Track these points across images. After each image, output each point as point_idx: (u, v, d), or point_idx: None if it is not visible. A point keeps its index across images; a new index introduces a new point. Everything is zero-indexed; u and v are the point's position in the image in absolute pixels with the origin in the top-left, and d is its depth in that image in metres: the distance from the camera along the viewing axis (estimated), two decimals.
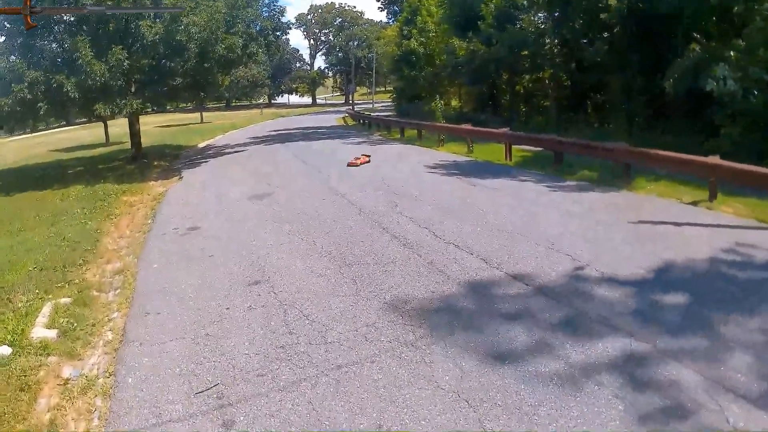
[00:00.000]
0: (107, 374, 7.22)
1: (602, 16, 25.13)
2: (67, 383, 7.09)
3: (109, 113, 25.29)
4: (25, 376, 7.15)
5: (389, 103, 73.58)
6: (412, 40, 50.02)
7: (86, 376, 7.22)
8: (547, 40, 32.34)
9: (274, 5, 33.83)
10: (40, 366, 7.42)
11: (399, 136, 34.32)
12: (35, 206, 19.85)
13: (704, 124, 20.01)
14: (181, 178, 24.14)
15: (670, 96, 21.75)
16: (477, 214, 13.08)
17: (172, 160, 32.80)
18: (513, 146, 22.46)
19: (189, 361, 7.16)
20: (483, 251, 10.18)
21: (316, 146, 31.94)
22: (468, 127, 26.34)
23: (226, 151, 34.35)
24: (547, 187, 16.02)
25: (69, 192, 22.11)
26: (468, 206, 13.95)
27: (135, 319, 8.76)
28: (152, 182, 23.84)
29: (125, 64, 23.28)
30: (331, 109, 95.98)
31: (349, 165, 21.23)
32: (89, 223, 15.99)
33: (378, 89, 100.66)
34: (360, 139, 34.79)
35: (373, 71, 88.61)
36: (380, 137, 36.08)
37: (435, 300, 8.31)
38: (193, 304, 9.03)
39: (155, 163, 30.48)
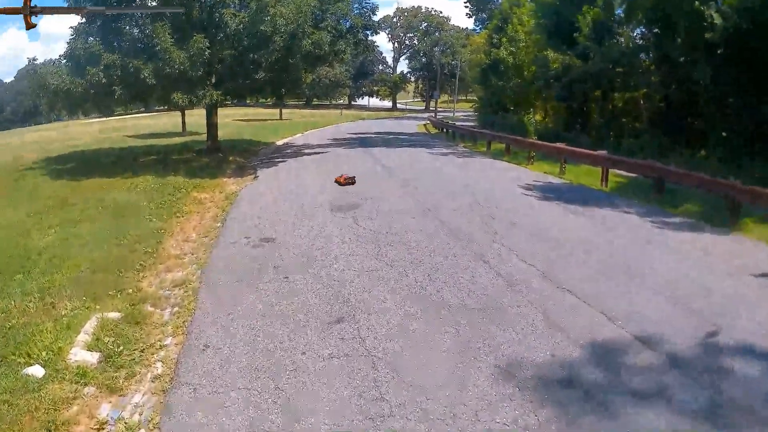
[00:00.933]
0: (151, 426, 5.94)
1: (707, 35, 23.16)
2: (102, 429, 5.96)
3: (186, 103, 24.10)
4: (55, 409, 6.09)
5: (471, 113, 72.08)
6: (502, 49, 48.20)
7: (126, 423, 6.04)
8: (644, 57, 31.04)
9: (366, 2, 31.24)
10: (74, 398, 6.35)
11: (485, 149, 32.94)
12: (100, 195, 18.79)
13: None
14: (256, 177, 22.91)
15: None
16: (584, 250, 11.47)
17: (249, 156, 31.76)
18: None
19: (252, 424, 5.78)
20: (600, 300, 8.65)
21: (401, 154, 30.16)
22: (562, 146, 24.39)
23: (306, 151, 33.00)
24: (654, 223, 14.14)
25: (137, 182, 21.04)
26: (573, 239, 12.31)
27: (191, 352, 7.41)
28: (225, 179, 22.75)
29: (206, 53, 22.23)
30: (411, 114, 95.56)
31: (335, 181, 19.82)
32: (153, 220, 14.83)
33: (459, 98, 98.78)
34: (445, 150, 33.25)
35: (456, 79, 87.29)
36: (466, 149, 34.59)
37: (556, 367, 6.70)
38: (261, 343, 7.59)
39: (230, 158, 29.43)
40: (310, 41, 23.51)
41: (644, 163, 19.56)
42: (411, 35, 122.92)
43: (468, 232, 12.77)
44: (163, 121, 56.87)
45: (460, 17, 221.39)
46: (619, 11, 33.16)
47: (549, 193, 18.29)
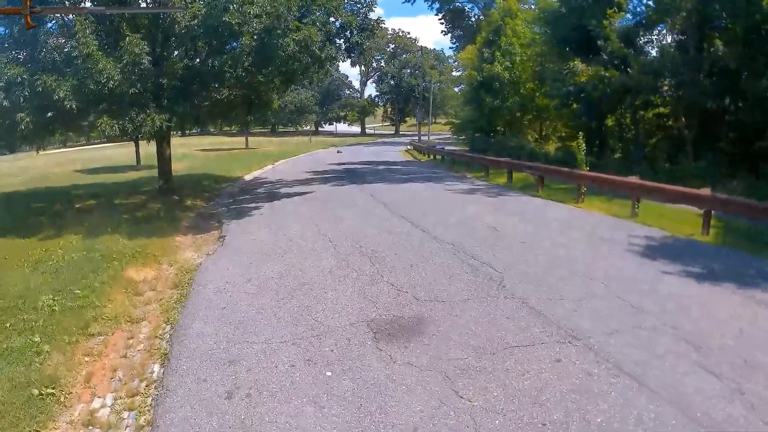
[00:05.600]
0: None
1: None
2: None
3: (118, 132, 16.80)
4: None
5: (447, 136, 70.39)
6: (496, 63, 43.05)
7: None
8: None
9: None
10: None
11: (506, 181, 27.49)
12: None
13: None
14: (222, 238, 15.90)
15: None
16: None
17: (212, 198, 24.89)
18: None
19: None
20: None
21: (413, 195, 23.14)
22: (636, 180, 18.53)
23: (283, 190, 26.11)
24: None
25: (55, 248, 14.23)
26: None
27: None
28: (180, 238, 16.04)
29: (145, 61, 15.55)
30: (384, 140, 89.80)
31: None
32: (44, 354, 7.77)
33: (432, 121, 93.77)
34: (462, 185, 26.89)
35: (431, 100, 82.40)
36: (483, 182, 28.52)
37: None
38: None
39: (188, 201, 22.69)
40: (295, 38, 16.72)
41: None
42: (378, 57, 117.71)
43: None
44: (125, 151, 49.12)
45: (427, 39, 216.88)
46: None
47: (670, 260, 12.13)
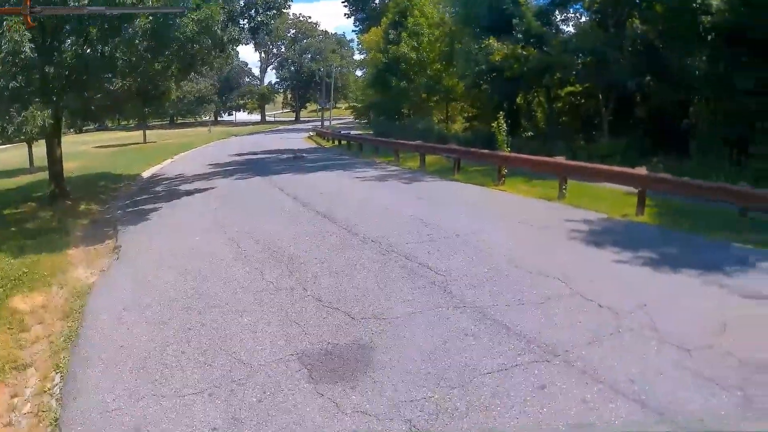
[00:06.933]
0: None
1: (704, 19, 20.68)
2: None
3: None
4: None
5: (350, 120, 70.80)
6: (402, 44, 42.49)
7: None
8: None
9: None
10: None
11: (418, 165, 26.19)
12: None
13: None
14: (118, 248, 14.04)
15: None
16: None
17: (108, 200, 22.77)
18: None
19: None
20: None
21: (323, 184, 21.53)
22: (562, 160, 17.98)
23: (183, 187, 24.17)
24: None
25: None
26: None
27: None
28: (72, 251, 14.14)
29: (26, 50, 13.67)
30: (285, 127, 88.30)
31: None
32: None
33: (334, 105, 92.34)
34: (373, 171, 25.55)
35: (332, 85, 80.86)
36: (396, 167, 27.15)
37: None
38: None
39: (82, 206, 20.65)
40: (193, 20, 15.02)
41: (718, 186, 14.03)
42: (279, 43, 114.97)
43: None
44: (19, 153, 44.79)
45: (331, 22, 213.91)
46: None
47: (626, 247, 11.20)
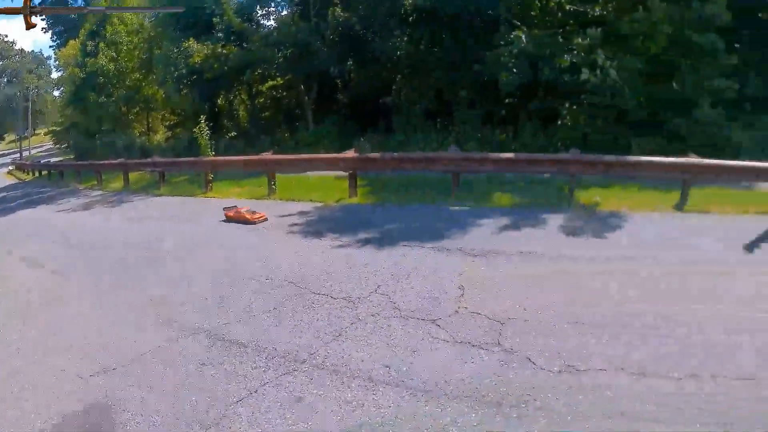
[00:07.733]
0: None
1: (405, 1, 22.50)
2: None
3: None
4: None
5: (51, 146, 66.26)
6: (101, 56, 39.70)
7: None
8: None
9: None
10: None
11: (122, 184, 24.22)
12: None
13: None
14: None
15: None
16: None
17: None
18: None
19: None
20: None
21: (24, 227, 17.32)
22: (269, 156, 18.16)
23: None
24: None
25: None
26: None
27: None
28: None
29: None
30: None
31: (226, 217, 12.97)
32: None
33: (36, 132, 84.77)
34: (75, 200, 22.54)
35: (28, 110, 73.67)
36: (97, 191, 24.92)
37: None
38: None
39: None
40: None
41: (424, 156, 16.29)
42: None
43: None
44: None
45: (28, 36, 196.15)
46: None
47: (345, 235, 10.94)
